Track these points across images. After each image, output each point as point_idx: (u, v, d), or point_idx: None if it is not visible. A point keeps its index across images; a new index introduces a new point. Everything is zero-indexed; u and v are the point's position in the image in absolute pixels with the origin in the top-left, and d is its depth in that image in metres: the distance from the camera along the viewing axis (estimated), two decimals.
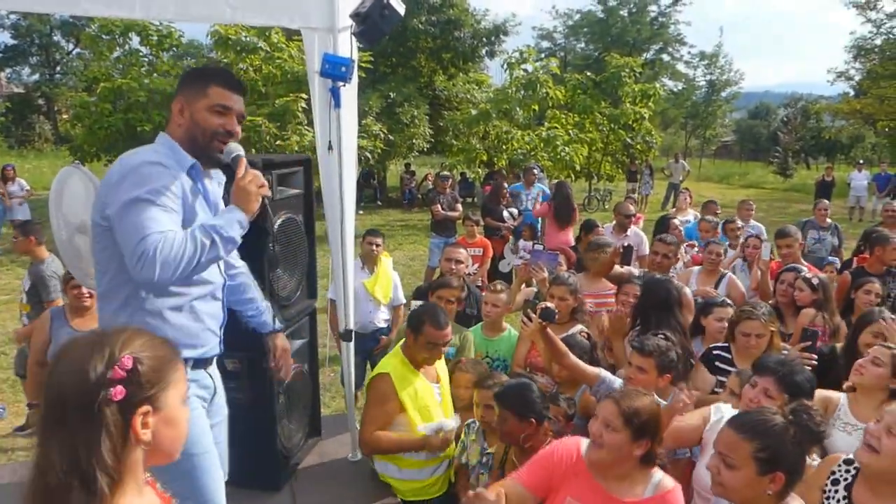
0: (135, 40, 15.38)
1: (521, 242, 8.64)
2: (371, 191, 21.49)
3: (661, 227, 6.85)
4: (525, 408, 2.97)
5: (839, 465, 2.45)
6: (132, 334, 1.31)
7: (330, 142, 3.26)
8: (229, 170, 2.36)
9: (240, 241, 2.20)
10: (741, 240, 6.33)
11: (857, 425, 2.92)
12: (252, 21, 3.51)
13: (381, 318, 5.50)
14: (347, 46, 3.18)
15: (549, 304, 3.40)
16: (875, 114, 27.58)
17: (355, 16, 2.94)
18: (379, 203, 21.26)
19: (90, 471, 1.18)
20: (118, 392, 1.22)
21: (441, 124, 20.13)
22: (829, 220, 7.83)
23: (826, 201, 8.34)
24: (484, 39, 23.07)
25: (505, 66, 17.71)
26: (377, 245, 5.51)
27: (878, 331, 3.50)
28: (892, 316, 3.59)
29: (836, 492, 2.39)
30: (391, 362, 3.37)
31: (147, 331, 1.37)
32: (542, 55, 28.07)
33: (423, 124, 19.56)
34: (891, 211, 7.46)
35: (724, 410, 2.91)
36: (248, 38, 13.99)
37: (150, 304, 2.19)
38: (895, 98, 25.86)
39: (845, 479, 2.41)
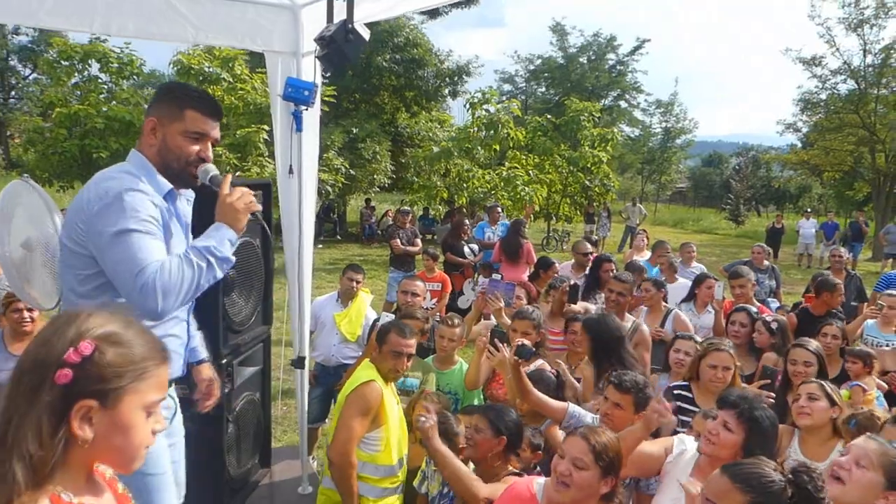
0: (94, 67, 15.19)
1: (481, 279, 8.66)
2: (331, 224, 21.38)
3: (598, 267, 6.87)
4: (503, 424, 2.98)
5: None
6: (111, 320, 1.21)
7: (291, 165, 3.24)
8: (204, 189, 2.32)
9: (234, 259, 2.18)
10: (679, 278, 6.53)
11: (809, 463, 2.96)
12: (215, 41, 3.50)
13: (348, 354, 5.39)
14: (311, 71, 3.19)
15: (525, 342, 3.38)
16: (821, 165, 28.71)
17: (320, 39, 2.94)
18: (338, 237, 21.14)
19: (9, 451, 1.09)
20: (63, 375, 1.12)
21: (402, 161, 20.29)
22: (766, 263, 8.03)
23: (762, 245, 8.53)
24: (447, 79, 23.44)
25: (467, 105, 18.01)
26: (357, 281, 5.44)
27: (795, 358, 3.79)
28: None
29: None
30: (369, 373, 3.23)
31: (139, 325, 1.28)
32: (504, 97, 28.62)
33: (385, 160, 19.67)
34: (837, 257, 7.74)
35: (686, 443, 2.90)
36: (210, 69, 13.95)
37: None
38: (840, 150, 27.01)
39: None
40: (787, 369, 3.88)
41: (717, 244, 24.05)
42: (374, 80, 21.57)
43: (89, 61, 14.92)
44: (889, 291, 5.69)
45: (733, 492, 1.98)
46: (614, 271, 5.84)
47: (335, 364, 5.34)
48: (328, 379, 5.29)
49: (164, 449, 2.26)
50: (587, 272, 6.57)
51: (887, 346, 5.13)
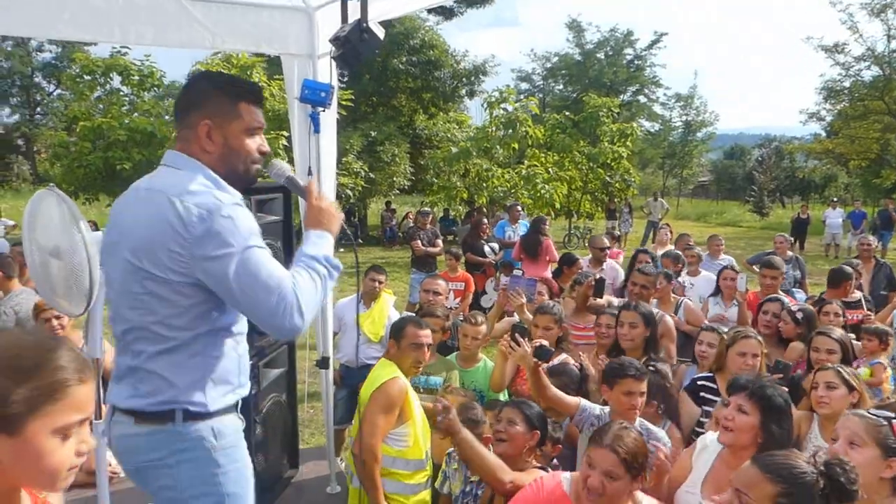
0: (116, 80, 15.45)
1: (502, 277, 8.64)
2: (352, 229, 21.48)
3: (635, 259, 6.87)
4: (537, 419, 3.01)
5: None
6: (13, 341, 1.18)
7: (309, 168, 3.25)
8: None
9: (342, 266, 2.07)
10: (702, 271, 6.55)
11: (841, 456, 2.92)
12: (232, 47, 3.53)
13: (371, 354, 5.41)
14: (327, 72, 3.21)
15: (544, 343, 3.40)
16: (847, 153, 28.29)
17: (335, 40, 2.96)
18: (360, 241, 21.24)
19: None
20: None
21: (421, 163, 20.31)
22: (789, 253, 7.92)
23: (785, 235, 8.44)
24: (464, 80, 23.51)
25: (485, 105, 17.97)
26: (380, 282, 5.47)
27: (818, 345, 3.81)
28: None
29: None
30: (390, 370, 3.21)
31: (53, 342, 1.22)
32: (522, 96, 28.58)
33: (404, 162, 19.74)
34: (865, 245, 7.58)
35: (707, 440, 2.87)
36: None
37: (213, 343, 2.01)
38: (865, 138, 26.56)
39: None
40: (810, 357, 3.84)
41: (742, 237, 23.72)
42: (391, 83, 21.67)
43: (111, 75, 15.20)
44: None
45: (763, 482, 1.93)
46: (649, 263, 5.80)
47: (360, 365, 5.36)
48: (353, 380, 5.30)
49: (249, 476, 2.12)
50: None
51: None
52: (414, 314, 4.96)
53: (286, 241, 3.71)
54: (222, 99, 1.99)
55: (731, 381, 2.83)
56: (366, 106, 21.22)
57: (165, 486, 1.99)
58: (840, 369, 3.19)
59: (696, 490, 2.61)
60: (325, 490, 3.69)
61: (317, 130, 3.23)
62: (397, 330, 3.30)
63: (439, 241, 10.34)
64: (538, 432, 3.02)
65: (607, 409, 3.17)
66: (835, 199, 23.39)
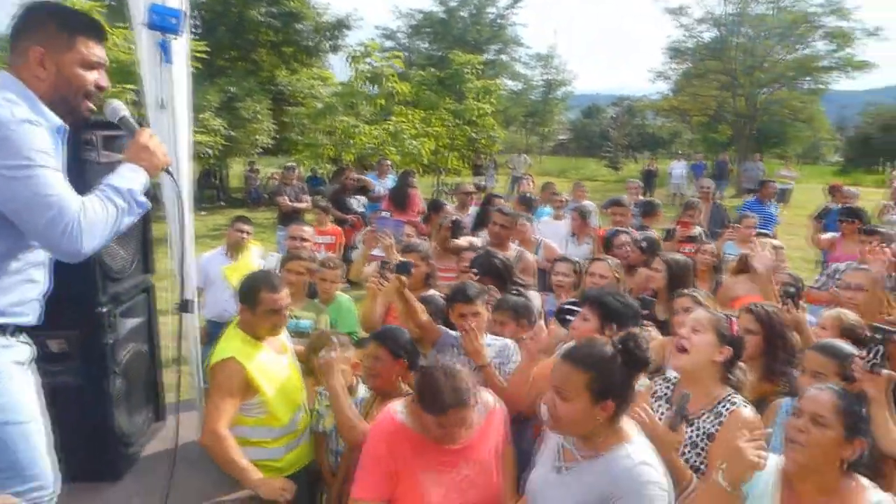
0: None
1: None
2: (213, 191, 20.50)
3: (488, 202, 7.03)
4: (399, 347, 3.06)
5: (658, 382, 2.71)
6: None
7: (162, 99, 3.04)
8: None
9: (150, 205, 2.08)
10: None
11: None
12: None
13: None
14: None
15: (404, 259, 3.50)
16: (689, 110, 30.55)
17: None
18: (222, 203, 20.30)
19: None
20: None
21: (285, 120, 19.59)
22: (640, 197, 8.89)
23: (636, 180, 9.47)
24: (326, 34, 22.80)
25: (349, 59, 17.56)
26: (247, 232, 5.30)
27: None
28: None
29: (660, 406, 2.61)
30: (231, 345, 3.07)
31: None
32: (387, 53, 28.24)
33: (266, 120, 19.01)
34: (704, 188, 8.83)
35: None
36: None
37: None
38: (705, 96, 28.75)
39: (665, 394, 2.65)
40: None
41: (599, 189, 24.99)
42: (250, 36, 20.66)
43: None
44: (746, 213, 6.40)
45: (574, 374, 2.07)
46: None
47: (228, 319, 5.20)
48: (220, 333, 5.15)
49: (27, 393, 2.08)
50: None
51: None
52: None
53: None
54: (60, 30, 2.03)
55: (581, 295, 3.11)
56: (222, 60, 20.09)
57: None
58: (695, 294, 3.53)
59: None
60: (194, 440, 3.56)
61: (168, 60, 3.01)
62: (250, 295, 3.08)
63: (306, 197, 10.17)
64: (403, 360, 3.08)
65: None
66: (679, 153, 25.28)
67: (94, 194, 1.96)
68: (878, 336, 2.45)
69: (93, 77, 2.09)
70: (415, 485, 2.36)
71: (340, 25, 23.10)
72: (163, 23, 2.94)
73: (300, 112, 18.33)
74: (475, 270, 4.10)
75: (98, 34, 2.12)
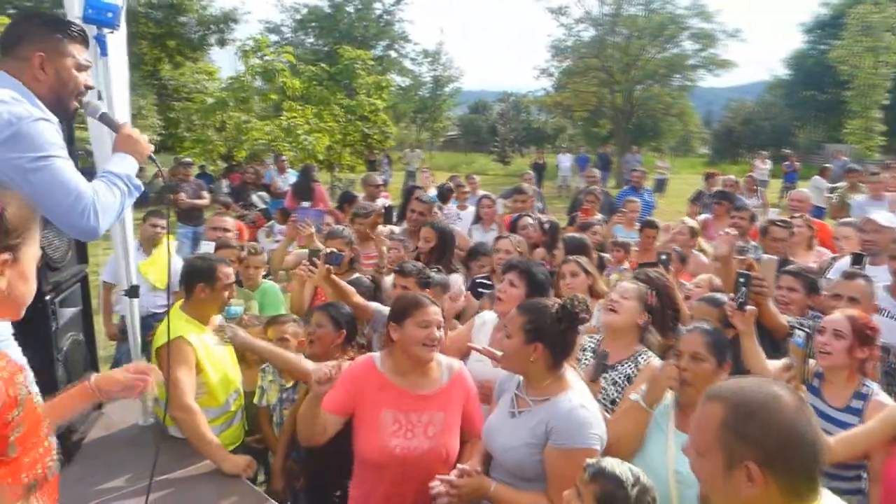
0: None
1: (276, 226, 8.72)
2: None
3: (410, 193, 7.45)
4: (342, 317, 3.34)
5: (587, 338, 3.14)
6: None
7: (100, 92, 3.12)
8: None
9: (143, 188, 2.33)
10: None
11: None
12: None
13: (157, 303, 5.26)
14: None
15: (333, 249, 3.74)
16: (572, 106, 32.07)
17: None
18: None
19: None
20: None
21: (172, 116, 18.98)
22: (534, 187, 9.52)
23: (529, 171, 10.06)
24: (212, 27, 22.19)
25: (239, 54, 17.26)
26: (161, 227, 5.30)
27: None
28: None
29: (586, 355, 3.05)
30: (178, 325, 3.21)
31: (11, 187, 1.44)
32: (272, 48, 27.73)
33: (151, 115, 18.32)
34: (591, 177, 9.71)
35: (485, 317, 3.50)
36: None
37: None
38: (586, 92, 30.31)
39: (591, 346, 3.09)
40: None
41: (490, 183, 25.83)
42: (131, 28, 19.65)
43: None
44: (629, 198, 7.22)
45: (516, 316, 2.52)
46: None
47: (144, 314, 5.19)
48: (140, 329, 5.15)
49: None
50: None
51: (631, 241, 6.37)
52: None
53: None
54: (53, 35, 2.27)
55: (503, 264, 3.52)
56: None
57: None
58: (578, 260, 4.03)
59: (482, 357, 3.06)
60: (137, 424, 3.65)
61: (104, 53, 3.09)
62: (209, 273, 3.27)
63: (205, 193, 10.03)
64: (344, 331, 3.36)
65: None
66: (564, 147, 26.57)
67: (99, 180, 2.20)
68: (741, 280, 3.02)
69: (83, 78, 2.34)
70: (374, 418, 2.66)
71: (227, 19, 22.58)
72: (99, 16, 3.01)
73: (189, 107, 17.83)
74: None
75: (84, 40, 2.38)
